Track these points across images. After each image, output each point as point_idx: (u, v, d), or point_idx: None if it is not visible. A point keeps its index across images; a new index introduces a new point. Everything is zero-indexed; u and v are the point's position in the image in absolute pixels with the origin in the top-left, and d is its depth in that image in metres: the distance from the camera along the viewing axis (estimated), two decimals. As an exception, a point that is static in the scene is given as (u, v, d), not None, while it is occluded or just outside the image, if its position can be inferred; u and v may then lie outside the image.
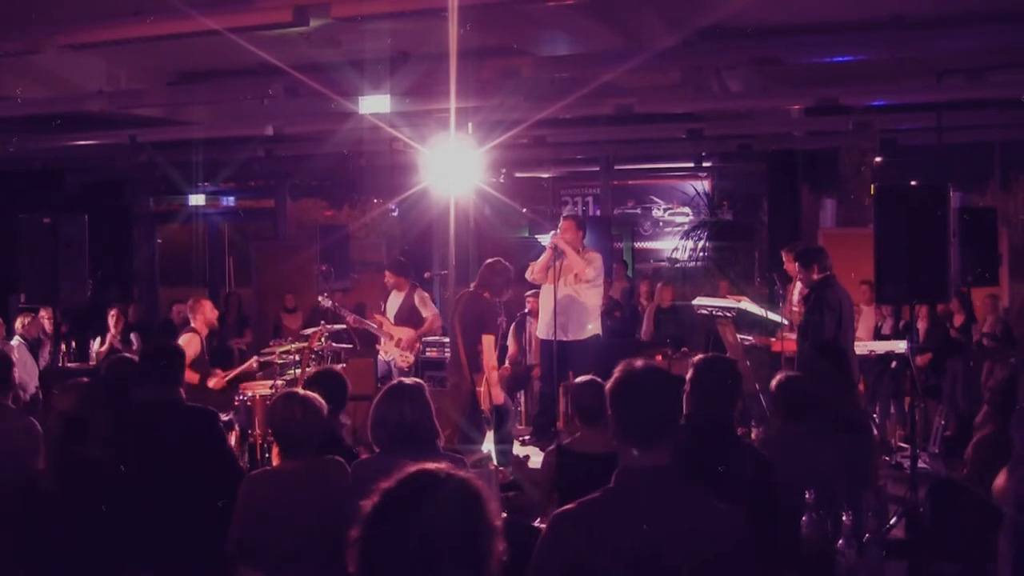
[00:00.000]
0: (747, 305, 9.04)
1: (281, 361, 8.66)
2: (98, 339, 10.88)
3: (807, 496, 3.97)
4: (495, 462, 7.38)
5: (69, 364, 10.21)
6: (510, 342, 10.36)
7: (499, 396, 7.82)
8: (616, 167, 16.96)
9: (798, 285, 8.34)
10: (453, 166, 8.70)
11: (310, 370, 8.77)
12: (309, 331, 9.49)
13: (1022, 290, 12.88)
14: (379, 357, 9.57)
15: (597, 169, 16.95)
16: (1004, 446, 4.08)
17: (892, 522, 5.52)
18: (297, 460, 4.07)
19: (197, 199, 16.74)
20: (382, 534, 1.96)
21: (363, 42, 8.68)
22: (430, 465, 2.07)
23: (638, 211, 19.02)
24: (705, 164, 16.41)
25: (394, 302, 9.54)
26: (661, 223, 18.90)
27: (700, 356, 4.36)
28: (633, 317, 12.52)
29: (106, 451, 4.23)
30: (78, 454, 4.14)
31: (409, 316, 9.40)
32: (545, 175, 18.51)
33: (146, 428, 4.54)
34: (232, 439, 7.09)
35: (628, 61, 8.39)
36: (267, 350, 9.12)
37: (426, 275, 12.10)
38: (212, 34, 7.26)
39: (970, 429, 8.57)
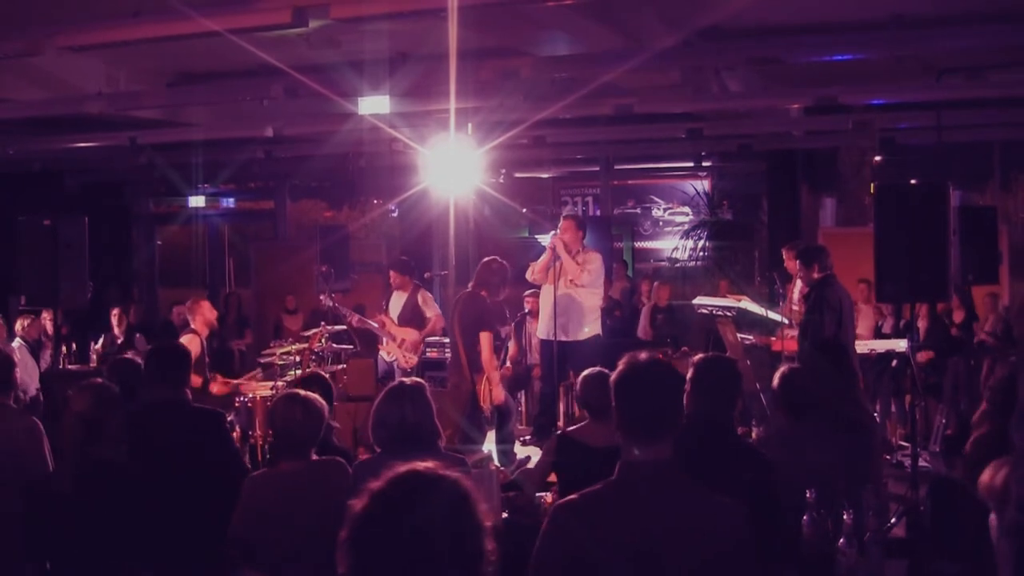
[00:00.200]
0: (747, 304, 9.03)
1: (281, 362, 8.66)
2: (102, 339, 10.87)
3: (808, 495, 3.97)
4: (496, 462, 7.39)
5: (70, 366, 10.21)
6: (511, 343, 10.38)
7: (500, 395, 7.83)
8: (616, 167, 16.97)
9: (798, 284, 8.34)
10: (453, 166, 8.70)
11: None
12: (309, 332, 9.50)
13: (1022, 289, 12.87)
14: (381, 357, 9.57)
15: (597, 169, 16.96)
16: (1002, 445, 4.08)
17: (893, 521, 5.53)
18: (298, 461, 4.07)
19: (197, 200, 16.73)
20: (371, 535, 1.96)
21: (362, 43, 8.68)
22: (419, 465, 2.06)
23: (638, 211, 19.03)
24: (705, 164, 16.42)
25: (397, 302, 9.53)
26: (661, 223, 18.91)
27: (700, 356, 4.36)
28: (633, 317, 12.53)
29: (120, 452, 4.24)
30: (94, 455, 4.15)
31: (412, 316, 9.40)
32: (545, 175, 18.51)
33: (153, 429, 4.55)
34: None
35: (628, 61, 8.39)
36: (267, 351, 9.12)
37: (426, 275, 12.09)
38: (211, 35, 7.26)
39: (970, 428, 8.59)
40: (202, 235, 19.33)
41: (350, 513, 2.00)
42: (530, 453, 8.36)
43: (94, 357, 10.74)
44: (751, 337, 9.17)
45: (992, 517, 2.84)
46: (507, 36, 8.96)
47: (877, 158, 12.95)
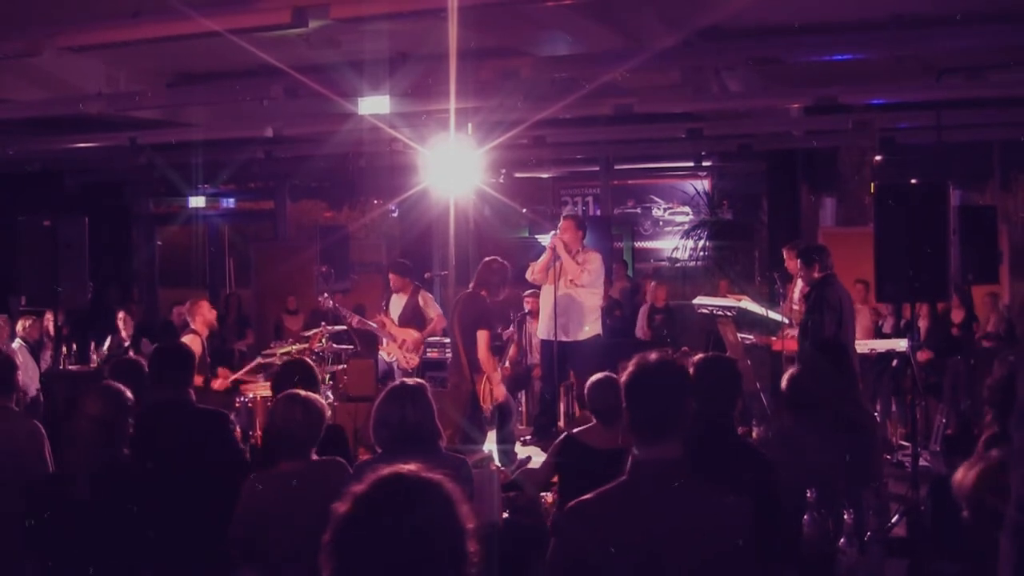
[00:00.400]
0: (747, 304, 9.03)
1: (282, 362, 8.65)
2: (108, 339, 10.86)
3: (808, 495, 3.97)
4: (496, 462, 7.39)
5: (70, 366, 10.20)
6: (512, 343, 10.39)
7: (501, 392, 7.84)
8: (616, 167, 16.97)
9: (799, 283, 8.34)
10: (453, 166, 8.70)
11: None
12: (310, 332, 9.50)
13: (1022, 288, 12.88)
14: (381, 358, 9.57)
15: (597, 169, 16.96)
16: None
17: (893, 521, 5.52)
18: (298, 461, 4.07)
19: (197, 201, 16.74)
20: (354, 538, 1.97)
21: (362, 43, 8.68)
22: (403, 468, 2.07)
23: (638, 211, 19.03)
24: (705, 164, 16.41)
25: (397, 303, 9.54)
26: (661, 223, 18.91)
27: (700, 355, 4.36)
28: (634, 316, 12.53)
29: (131, 454, 4.25)
30: (110, 458, 4.16)
31: (412, 317, 9.41)
32: (545, 175, 18.51)
33: (157, 429, 4.55)
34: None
35: (628, 61, 8.39)
36: (268, 351, 9.12)
37: (426, 275, 12.10)
38: (211, 35, 7.26)
39: (971, 427, 8.58)
40: (202, 235, 19.33)
41: (333, 516, 2.01)
42: (530, 453, 8.36)
43: (95, 358, 10.74)
44: (751, 337, 9.17)
45: (966, 514, 2.84)
46: (507, 36, 8.96)
47: (877, 158, 12.95)
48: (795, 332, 8.17)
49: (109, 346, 10.62)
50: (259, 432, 7.32)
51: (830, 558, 3.85)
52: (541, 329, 8.90)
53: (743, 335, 9.10)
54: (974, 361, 9.58)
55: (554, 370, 8.51)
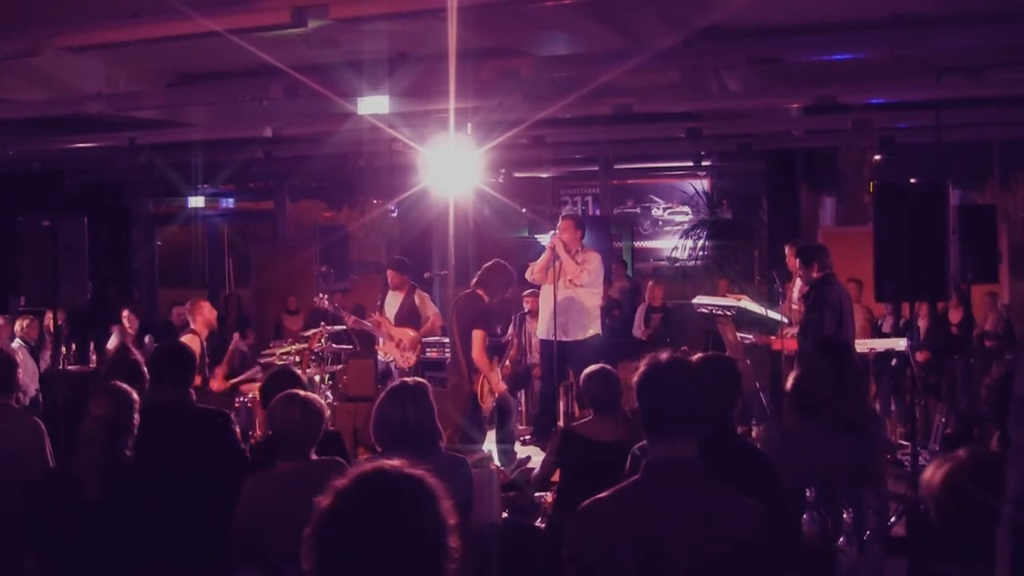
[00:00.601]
0: (747, 304, 9.03)
1: (281, 362, 8.66)
2: (113, 335, 10.87)
3: (808, 494, 3.96)
4: (496, 462, 7.40)
5: (69, 366, 10.21)
6: (512, 343, 10.39)
7: (499, 386, 7.86)
8: (615, 167, 16.97)
9: (798, 282, 8.34)
10: (452, 166, 8.71)
11: (311, 371, 8.78)
12: (309, 332, 9.51)
13: (1022, 288, 12.88)
14: (378, 358, 9.57)
15: (596, 169, 16.96)
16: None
17: (893, 520, 5.52)
18: (297, 461, 4.07)
19: (196, 201, 16.74)
20: (335, 532, 1.98)
21: (362, 43, 8.68)
22: (385, 464, 2.08)
23: (637, 210, 19.04)
24: (704, 163, 16.42)
25: (393, 302, 9.53)
26: (660, 222, 18.92)
27: (700, 355, 4.36)
28: (633, 316, 12.53)
29: (132, 454, 4.26)
30: (119, 459, 4.17)
31: (409, 316, 9.41)
32: (544, 175, 18.52)
33: (157, 429, 4.56)
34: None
35: (627, 61, 8.39)
36: (267, 351, 9.13)
37: (425, 275, 12.10)
38: (211, 35, 7.26)
39: (970, 427, 8.59)
40: (202, 235, 19.34)
41: (315, 510, 2.02)
42: (530, 452, 8.37)
43: (94, 358, 10.75)
44: (751, 336, 9.16)
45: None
46: (506, 36, 8.96)
47: (876, 157, 12.95)
48: (795, 331, 8.17)
49: (113, 343, 10.63)
50: (259, 432, 7.33)
51: (830, 557, 3.85)
52: (541, 329, 8.90)
53: (742, 335, 9.09)
54: (973, 361, 9.59)
55: (554, 370, 8.52)
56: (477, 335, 7.67)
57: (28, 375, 9.15)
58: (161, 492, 4.19)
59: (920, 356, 9.45)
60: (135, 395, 4.36)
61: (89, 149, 12.83)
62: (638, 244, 18.52)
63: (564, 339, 8.45)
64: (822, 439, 4.45)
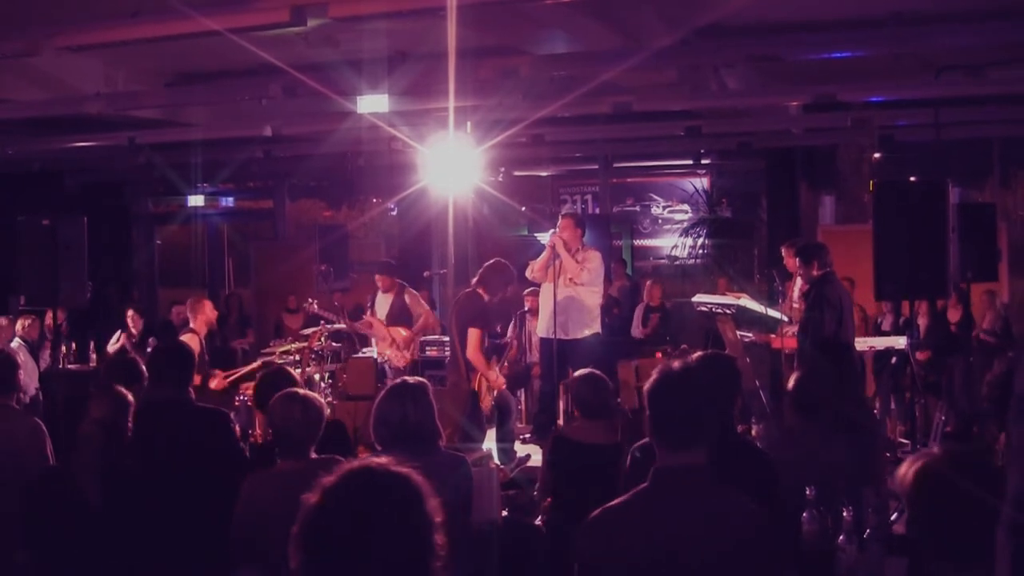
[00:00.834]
0: (746, 302, 9.03)
1: (281, 361, 8.67)
2: (117, 334, 10.87)
3: (808, 492, 3.97)
4: (496, 460, 7.40)
5: (70, 366, 10.21)
6: (513, 342, 10.39)
7: (497, 382, 7.86)
8: (615, 165, 16.96)
9: (798, 281, 8.33)
10: (452, 165, 8.71)
11: (312, 368, 8.79)
12: (309, 331, 9.51)
13: (1021, 286, 12.88)
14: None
15: (596, 167, 16.95)
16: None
17: (893, 518, 5.52)
18: (297, 460, 4.07)
19: (196, 200, 16.75)
20: (322, 529, 2.00)
21: (361, 42, 8.68)
22: (372, 461, 2.10)
23: (637, 209, 19.03)
24: (704, 161, 16.41)
25: (383, 303, 9.61)
26: (660, 221, 18.91)
27: (699, 353, 4.37)
28: (632, 315, 12.53)
29: (131, 453, 4.26)
30: (117, 460, 4.17)
31: (400, 315, 9.48)
32: (544, 173, 18.51)
33: (156, 428, 4.56)
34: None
35: (626, 59, 8.39)
36: (267, 350, 9.13)
37: (425, 274, 12.11)
38: (210, 35, 7.26)
39: (970, 425, 8.59)
40: (201, 235, 19.32)
41: (303, 507, 2.03)
42: (530, 451, 8.37)
43: (94, 357, 10.75)
44: (750, 335, 9.16)
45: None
46: (506, 35, 8.96)
47: (876, 155, 12.96)
48: (795, 330, 8.17)
49: (117, 341, 10.64)
50: (259, 431, 7.33)
51: (829, 556, 3.85)
52: (541, 327, 8.90)
53: (742, 333, 9.09)
54: (973, 359, 9.59)
55: (554, 368, 8.51)
56: (473, 333, 7.68)
57: (28, 375, 9.15)
58: (160, 491, 4.19)
59: (920, 355, 9.45)
60: (131, 398, 4.36)
61: (89, 149, 12.83)
62: (638, 242, 18.50)
63: (564, 338, 8.45)
64: (822, 438, 4.46)
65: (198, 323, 8.31)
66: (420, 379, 4.38)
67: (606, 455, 4.99)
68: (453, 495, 3.93)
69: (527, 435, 9.07)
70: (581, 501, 3.68)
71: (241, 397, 7.85)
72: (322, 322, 9.48)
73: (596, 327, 8.72)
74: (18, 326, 10.03)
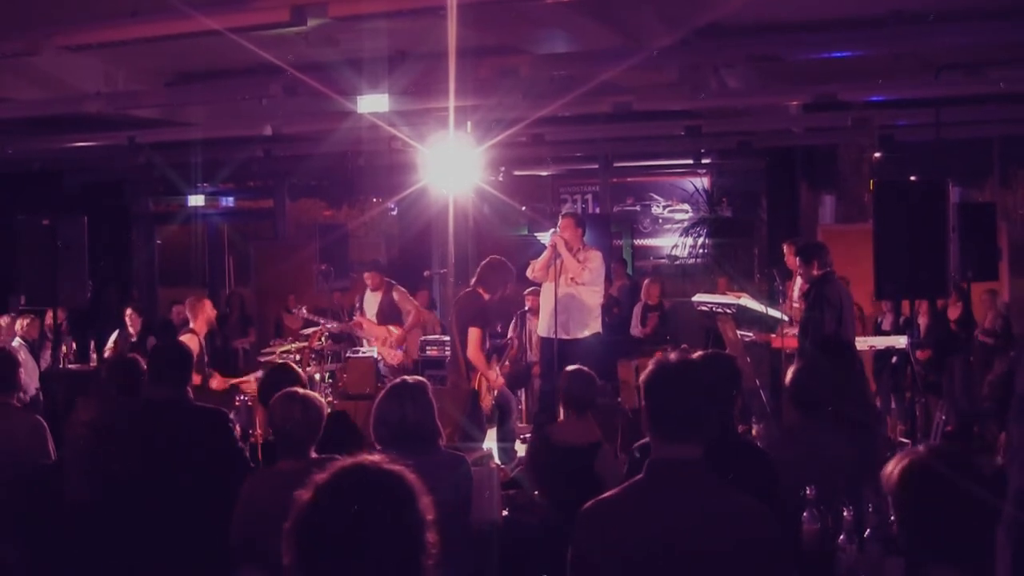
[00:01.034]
0: (747, 301, 9.02)
1: (281, 360, 8.67)
2: (116, 333, 10.87)
3: (808, 492, 3.97)
4: (496, 460, 7.39)
5: (70, 365, 10.21)
6: (514, 341, 10.40)
7: (496, 381, 7.86)
8: (615, 164, 16.96)
9: (798, 281, 8.33)
10: (452, 164, 8.71)
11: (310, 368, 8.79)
12: (309, 331, 9.52)
13: (1022, 285, 12.88)
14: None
15: (596, 167, 16.96)
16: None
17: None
18: (297, 460, 4.07)
19: (196, 199, 16.75)
20: (314, 526, 2.01)
21: (361, 41, 8.68)
22: (365, 459, 2.11)
23: (637, 208, 19.03)
24: (704, 161, 16.42)
25: (371, 301, 9.67)
26: (660, 220, 18.91)
27: (700, 352, 4.37)
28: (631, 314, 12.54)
29: (130, 453, 4.26)
30: (107, 462, 4.17)
31: (390, 313, 9.54)
32: (544, 173, 18.51)
33: (155, 428, 4.56)
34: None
35: (626, 59, 8.39)
36: (267, 350, 9.13)
37: (425, 274, 12.12)
38: (210, 34, 7.27)
39: (971, 424, 8.59)
40: (201, 234, 19.33)
41: (296, 504, 2.05)
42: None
43: (94, 356, 10.75)
44: (751, 334, 9.16)
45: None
46: (506, 34, 8.96)
47: (876, 155, 12.96)
48: (795, 330, 8.17)
49: (116, 340, 10.64)
50: (259, 431, 7.33)
51: (829, 555, 3.85)
52: (541, 327, 8.89)
53: (742, 332, 9.09)
54: (973, 358, 9.59)
55: (554, 368, 8.50)
56: (473, 332, 7.68)
57: (28, 374, 9.15)
58: (160, 491, 4.19)
59: (920, 354, 9.45)
60: (120, 399, 4.36)
61: (89, 148, 12.83)
62: (638, 242, 18.50)
63: (565, 337, 8.44)
64: (822, 437, 4.46)
65: (198, 323, 8.30)
66: (420, 378, 4.38)
67: (573, 458, 5.04)
68: (453, 494, 3.93)
69: (528, 434, 9.06)
70: (565, 503, 3.70)
71: (241, 397, 7.85)
72: (322, 322, 9.50)
73: (597, 327, 8.71)
74: (18, 325, 10.03)
